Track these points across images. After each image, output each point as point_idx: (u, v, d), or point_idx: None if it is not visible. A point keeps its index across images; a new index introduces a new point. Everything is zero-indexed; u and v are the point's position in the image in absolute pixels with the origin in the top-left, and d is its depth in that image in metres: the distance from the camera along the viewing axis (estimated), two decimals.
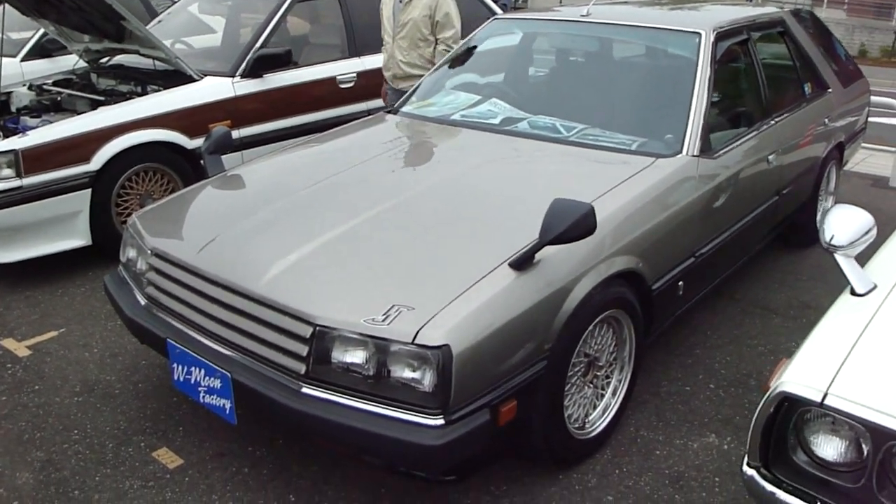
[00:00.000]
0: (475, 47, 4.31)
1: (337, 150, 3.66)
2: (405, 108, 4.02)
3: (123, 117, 4.47)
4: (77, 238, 4.41)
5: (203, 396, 2.59)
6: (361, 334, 2.23)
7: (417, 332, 2.18)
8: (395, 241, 2.62)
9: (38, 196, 4.17)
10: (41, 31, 6.58)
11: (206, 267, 2.62)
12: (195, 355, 2.55)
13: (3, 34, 5.06)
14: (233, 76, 4.99)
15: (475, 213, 2.78)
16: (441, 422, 2.16)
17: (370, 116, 4.14)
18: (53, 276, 4.43)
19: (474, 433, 2.19)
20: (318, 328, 2.28)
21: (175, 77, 4.98)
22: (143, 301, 2.87)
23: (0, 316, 4.00)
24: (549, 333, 2.43)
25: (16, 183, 4.11)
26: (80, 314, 4.01)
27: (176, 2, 6.52)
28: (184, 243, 2.81)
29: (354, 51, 5.76)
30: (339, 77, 5.57)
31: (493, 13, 6.85)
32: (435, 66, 4.41)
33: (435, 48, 4.89)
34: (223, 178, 3.37)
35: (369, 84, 5.68)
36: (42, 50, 6.57)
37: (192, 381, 2.60)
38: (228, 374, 2.44)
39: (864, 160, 6.96)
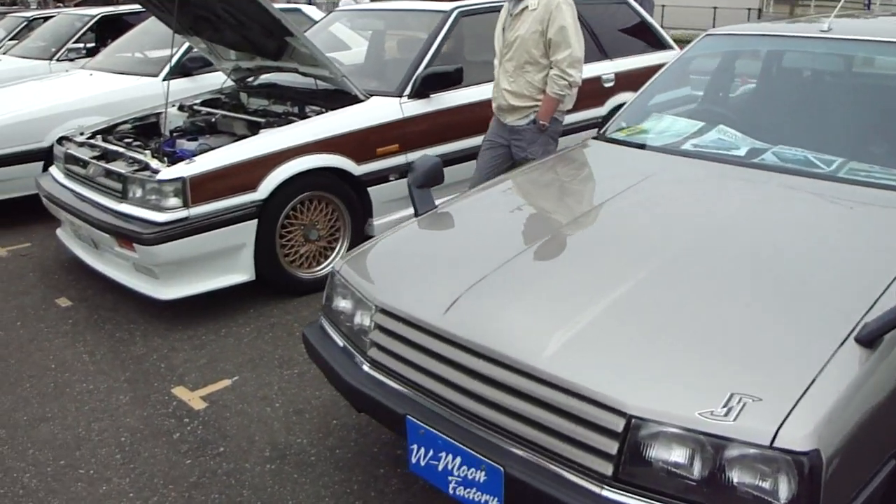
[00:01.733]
0: (686, 65, 3.80)
1: (563, 186, 3.19)
2: (616, 135, 3.52)
3: (291, 141, 4.11)
4: (240, 273, 4.06)
5: (455, 488, 2.13)
6: (694, 430, 1.74)
7: (776, 431, 1.68)
8: (692, 308, 2.11)
9: (203, 228, 3.84)
10: (182, 48, 6.35)
11: (461, 333, 2.16)
12: (450, 439, 2.09)
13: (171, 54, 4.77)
14: (400, 96, 4.59)
15: (770, 271, 2.27)
16: None
17: (579, 144, 3.65)
18: (214, 314, 4.09)
19: None
20: (633, 420, 1.79)
21: (334, 97, 4.61)
22: (365, 365, 2.43)
23: (166, 358, 3.66)
24: None
25: (182, 214, 3.78)
26: (251, 360, 3.63)
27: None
28: (421, 300, 2.36)
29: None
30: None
31: (644, 21, 6.32)
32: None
33: (548, 74, 4.02)
34: (438, 217, 2.93)
35: None
36: (183, 68, 6.33)
37: (441, 469, 2.15)
38: (500, 468, 1.97)
39: None
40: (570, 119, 5.35)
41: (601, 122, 5.07)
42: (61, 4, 28.01)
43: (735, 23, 4.79)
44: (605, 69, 5.89)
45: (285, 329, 3.95)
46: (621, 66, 6.03)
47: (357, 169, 4.34)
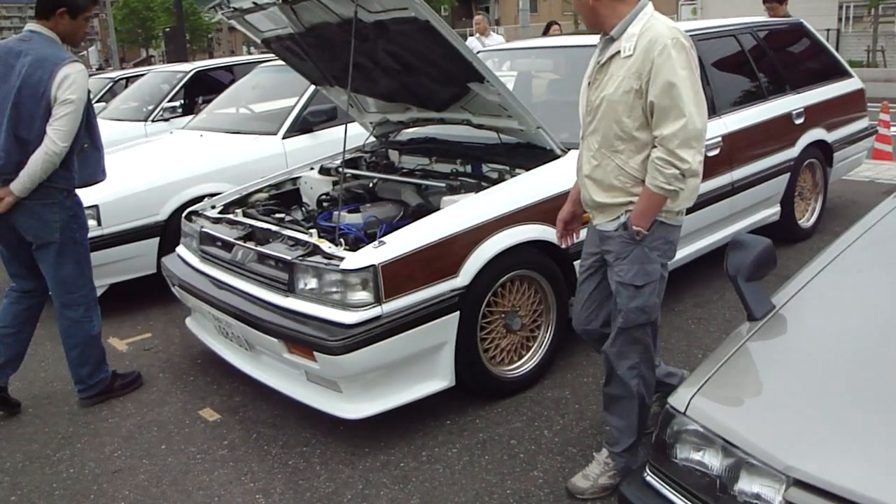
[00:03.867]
0: None
1: None
2: None
3: (492, 211, 3.30)
4: (440, 379, 3.25)
5: None
6: None
7: None
8: None
9: (400, 328, 3.04)
10: (301, 103, 5.65)
11: None
12: None
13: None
14: None
15: None
16: None
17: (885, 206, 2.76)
18: (405, 429, 3.30)
19: None
20: None
21: (515, 152, 3.81)
22: None
23: (365, 498, 2.84)
24: None
25: (374, 311, 2.99)
26: (478, 498, 2.78)
27: None
28: (872, 475, 1.50)
29: (714, 109, 4.47)
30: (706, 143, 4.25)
31: (822, 46, 5.43)
32: None
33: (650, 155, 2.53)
34: (794, 323, 2.07)
35: (733, 150, 4.39)
36: (304, 124, 5.62)
37: None
38: None
39: None
40: (759, 166, 4.53)
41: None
42: (128, 66, 28.27)
43: None
44: (794, 104, 5.02)
45: (502, 448, 3.12)
46: (809, 98, 5.15)
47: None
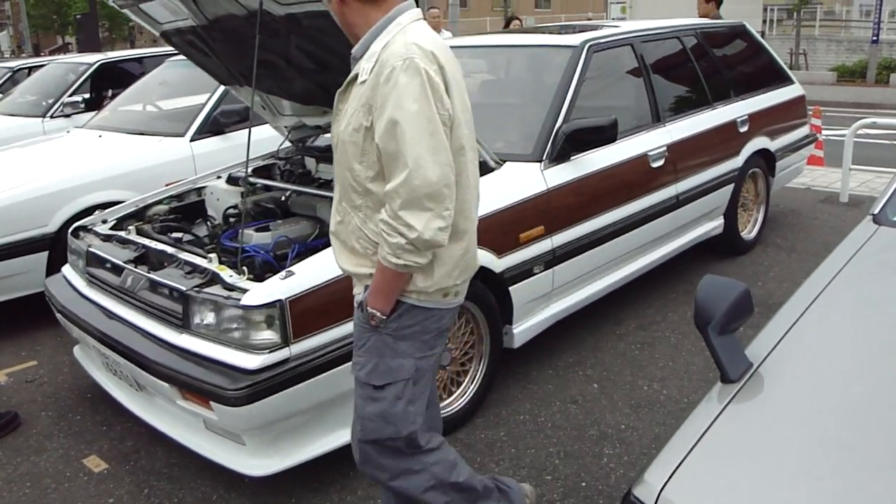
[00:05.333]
0: None
1: None
2: None
3: None
4: None
5: None
6: None
7: None
8: None
9: (311, 372, 2.63)
10: (211, 102, 5.15)
11: None
12: None
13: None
14: (539, 161, 3.41)
15: None
16: None
17: (855, 235, 2.46)
18: (316, 478, 2.90)
19: None
20: None
21: None
22: None
23: None
24: None
25: (281, 354, 2.57)
26: None
27: None
28: None
29: (658, 116, 4.19)
30: (650, 153, 3.96)
31: (766, 51, 5.23)
32: None
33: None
34: (777, 390, 1.73)
35: (677, 160, 4.10)
36: (214, 125, 5.13)
37: None
38: None
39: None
40: (704, 177, 4.27)
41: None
42: (45, 54, 26.84)
43: None
44: (739, 111, 4.78)
45: None
46: (753, 105, 4.93)
47: (498, 263, 3.14)
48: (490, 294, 3.17)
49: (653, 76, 4.20)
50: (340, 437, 2.79)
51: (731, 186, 4.69)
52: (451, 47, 4.74)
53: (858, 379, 1.73)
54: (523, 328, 3.38)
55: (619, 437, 3.08)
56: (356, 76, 1.91)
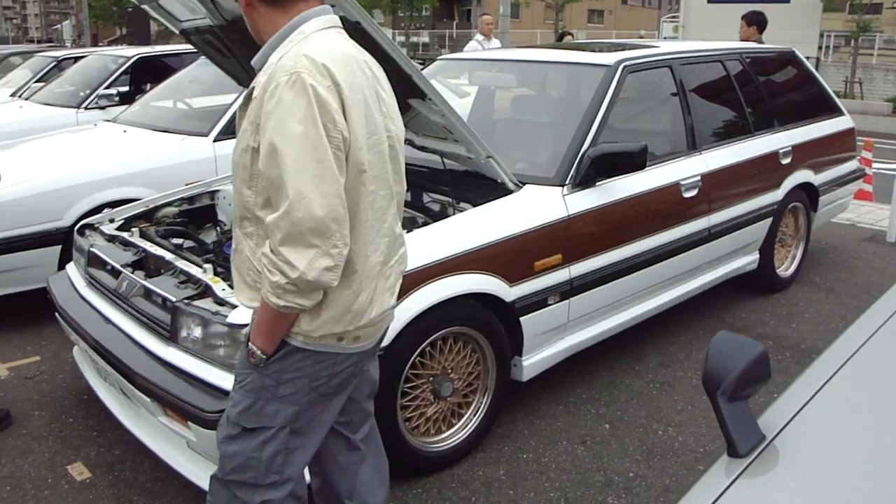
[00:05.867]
0: None
1: None
2: None
3: (426, 256, 2.74)
4: None
5: None
6: None
7: None
8: None
9: None
10: (238, 102, 5.02)
11: None
12: None
13: None
14: (562, 185, 3.23)
15: None
16: None
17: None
18: None
19: None
20: None
21: (464, 182, 3.27)
22: None
23: None
24: None
25: None
26: None
27: None
28: None
29: (694, 144, 3.97)
30: (682, 182, 3.75)
31: (815, 80, 4.97)
32: None
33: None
34: (792, 470, 1.53)
35: (712, 190, 3.88)
36: None
37: None
38: None
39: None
40: (741, 209, 4.04)
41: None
42: (102, 45, 27.27)
43: None
44: (782, 142, 4.54)
45: None
46: (798, 136, 4.68)
47: (510, 293, 2.97)
48: (499, 324, 2.99)
49: (691, 101, 3.99)
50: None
51: (768, 220, 4.45)
52: (482, 60, 4.61)
53: (891, 463, 1.52)
54: (534, 361, 3.20)
55: (626, 485, 2.88)
56: (252, 90, 1.71)
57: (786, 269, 4.92)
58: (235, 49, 3.48)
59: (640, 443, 3.15)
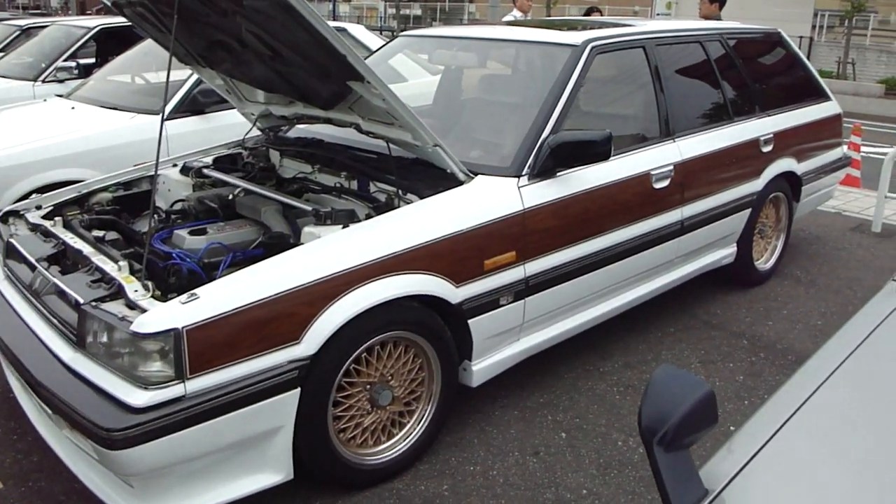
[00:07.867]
0: None
1: None
2: None
3: (361, 255, 2.50)
4: (270, 471, 2.47)
5: None
6: None
7: None
8: None
9: (211, 413, 2.23)
10: (193, 79, 4.78)
11: None
12: None
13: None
14: (517, 176, 2.98)
15: None
16: None
17: (881, 304, 2.00)
18: None
19: None
20: None
21: (412, 169, 3.02)
22: None
23: None
24: None
25: (174, 391, 2.18)
26: None
27: None
28: None
29: (668, 131, 3.73)
30: (653, 172, 3.51)
31: (801, 63, 4.73)
32: None
33: None
34: None
35: (686, 181, 3.65)
36: (194, 104, 4.76)
37: None
38: None
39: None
40: (717, 201, 3.81)
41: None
42: (90, 13, 26.61)
43: None
44: (763, 128, 4.29)
45: None
46: (780, 123, 4.43)
47: (456, 294, 2.73)
48: (444, 327, 2.76)
49: (665, 84, 3.74)
50: (248, 484, 2.43)
51: (747, 212, 4.22)
52: (445, 38, 4.33)
53: None
54: (485, 365, 2.97)
55: None
56: None
57: (765, 261, 4.69)
58: (168, 24, 3.20)
59: (596, 455, 2.93)
